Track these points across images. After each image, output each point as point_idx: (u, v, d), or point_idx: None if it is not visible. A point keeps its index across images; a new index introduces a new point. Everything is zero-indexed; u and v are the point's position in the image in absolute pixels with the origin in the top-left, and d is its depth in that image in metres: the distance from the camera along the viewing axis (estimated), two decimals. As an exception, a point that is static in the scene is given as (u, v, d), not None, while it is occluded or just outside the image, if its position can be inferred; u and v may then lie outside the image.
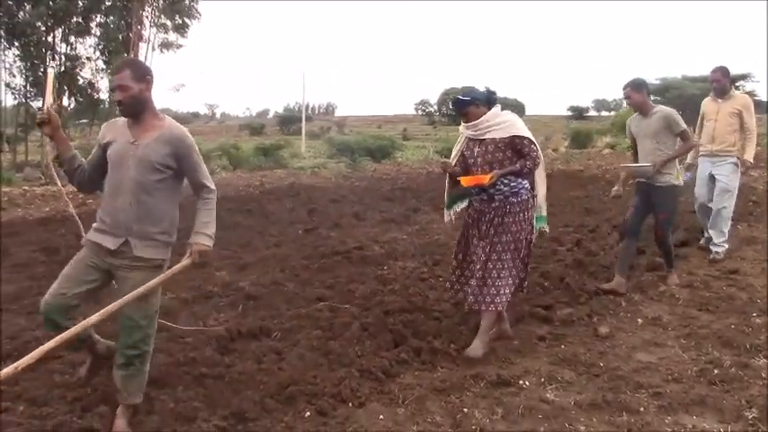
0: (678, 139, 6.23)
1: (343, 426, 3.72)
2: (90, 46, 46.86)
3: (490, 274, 4.76)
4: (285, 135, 49.83)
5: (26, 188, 19.91)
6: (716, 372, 4.37)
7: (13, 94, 45.52)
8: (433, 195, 13.80)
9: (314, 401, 3.98)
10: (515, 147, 4.76)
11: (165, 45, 48.87)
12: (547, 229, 5.42)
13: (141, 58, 45.82)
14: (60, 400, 4.01)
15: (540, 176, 5.07)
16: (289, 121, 67.50)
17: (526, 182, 4.84)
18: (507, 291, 4.76)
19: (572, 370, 4.51)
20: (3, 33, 43.01)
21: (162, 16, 47.50)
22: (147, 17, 46.87)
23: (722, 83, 7.41)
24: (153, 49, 48.29)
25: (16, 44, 43.62)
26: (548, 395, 4.09)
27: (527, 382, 4.30)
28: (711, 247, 7.60)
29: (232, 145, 29.73)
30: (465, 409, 3.90)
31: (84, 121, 54.38)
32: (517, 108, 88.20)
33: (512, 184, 4.76)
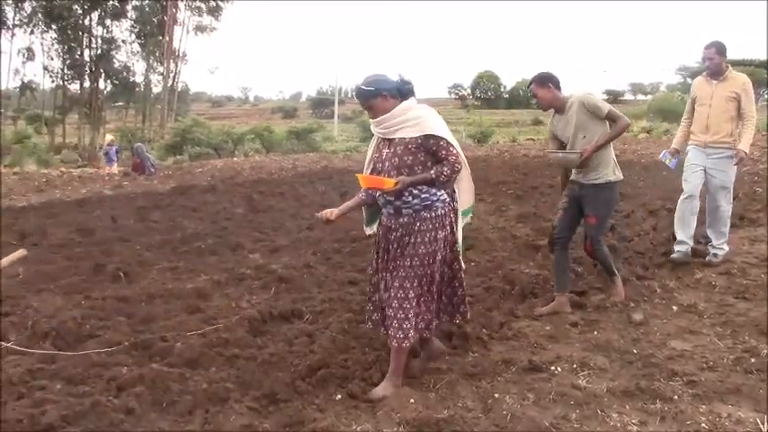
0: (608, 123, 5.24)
1: (374, 409, 3.73)
2: (125, 29, 47.69)
3: (391, 303, 3.93)
4: (318, 118, 50.02)
5: (63, 170, 20.26)
6: (752, 360, 4.29)
7: (50, 76, 46.58)
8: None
9: (345, 384, 4.00)
10: (429, 149, 3.91)
11: (200, 28, 49.46)
12: (468, 220, 4.53)
13: (176, 41, 46.41)
14: (97, 379, 4.08)
15: (465, 186, 4.27)
16: (321, 104, 67.76)
17: (443, 193, 4.00)
18: (408, 325, 3.88)
19: (605, 356, 4.46)
20: (41, 17, 43.77)
21: (197, -1, 47.74)
22: (181, 0, 47.29)
23: (716, 61, 6.33)
24: (187, 32, 48.95)
25: (54, 27, 44.44)
26: (580, 381, 4.05)
27: (559, 368, 4.26)
28: (710, 249, 6.69)
29: (265, 128, 29.97)
30: (496, 395, 3.88)
31: (120, 103, 55.27)
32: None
33: (423, 196, 3.92)
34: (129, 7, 46.45)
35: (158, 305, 5.70)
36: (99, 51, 46.41)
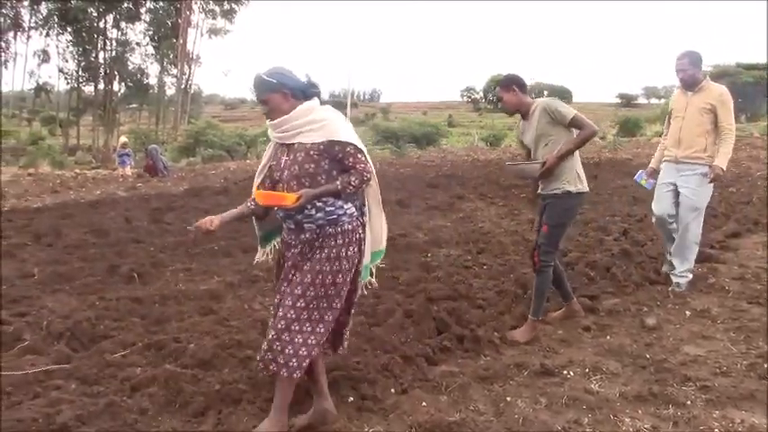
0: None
1: (386, 412, 3.74)
2: (140, 32, 48.06)
3: (288, 327, 3.40)
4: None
5: (77, 171, 20.39)
6: (766, 366, 4.27)
7: (65, 78, 46.95)
8: (478, 183, 13.78)
9: (357, 386, 4.00)
10: (335, 156, 3.42)
11: (214, 31, 49.73)
12: (371, 279, 3.97)
13: (190, 43, 46.65)
14: (111, 380, 4.12)
15: (374, 197, 3.71)
16: (334, 107, 67.65)
17: (351, 206, 3.52)
18: (305, 352, 3.41)
19: (617, 361, 4.45)
20: (57, 20, 44.13)
21: (210, 2, 48.12)
22: (195, 3, 47.60)
23: (689, 72, 5.81)
24: (201, 34, 49.24)
25: (69, 30, 44.80)
26: (592, 386, 4.05)
27: (571, 373, 4.26)
28: (672, 277, 6.08)
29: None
30: (508, 398, 3.89)
31: (134, 105, 55.65)
32: (564, 95, 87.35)
33: (327, 209, 3.43)
34: (143, 10, 46.79)
35: (172, 306, 5.73)
36: (113, 54, 46.79)
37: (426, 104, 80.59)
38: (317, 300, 3.42)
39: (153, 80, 49.88)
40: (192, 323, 5.22)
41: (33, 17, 44.08)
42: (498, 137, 36.89)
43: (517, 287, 5.92)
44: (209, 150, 23.62)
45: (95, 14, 44.74)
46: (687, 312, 5.42)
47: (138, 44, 48.18)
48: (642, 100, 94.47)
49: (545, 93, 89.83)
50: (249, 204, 3.67)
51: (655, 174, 6.27)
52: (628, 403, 3.83)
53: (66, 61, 46.31)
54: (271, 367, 3.40)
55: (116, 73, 47.06)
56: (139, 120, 52.81)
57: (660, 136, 6.82)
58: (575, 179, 4.87)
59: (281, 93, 3.44)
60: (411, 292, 5.89)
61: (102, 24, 45.83)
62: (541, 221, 5.03)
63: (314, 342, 3.44)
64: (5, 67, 46.13)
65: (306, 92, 3.52)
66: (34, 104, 55.28)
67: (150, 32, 47.51)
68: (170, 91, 50.32)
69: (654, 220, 6.25)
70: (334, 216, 3.44)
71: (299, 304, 3.40)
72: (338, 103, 67.22)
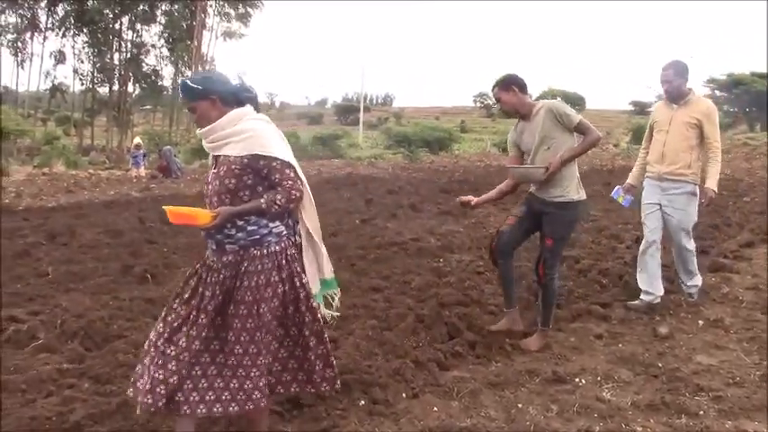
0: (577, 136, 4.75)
1: (398, 416, 3.75)
2: (155, 33, 48.31)
3: (209, 366, 3.09)
4: (343, 125, 50.19)
5: (91, 171, 20.51)
6: (780, 377, 4.26)
7: (80, 79, 47.24)
8: (491, 188, 13.72)
9: (368, 391, 4.00)
10: (259, 171, 3.09)
11: (228, 34, 49.90)
12: (335, 298, 3.68)
13: (204, 46, 46.87)
14: (123, 379, 4.13)
15: (310, 222, 3.33)
16: (347, 111, 67.94)
17: (278, 225, 3.19)
18: (228, 396, 3.08)
19: (629, 370, 4.44)
20: (73, 20, 44.43)
21: (225, 5, 48.30)
22: (210, 6, 47.79)
23: (674, 84, 5.51)
24: (216, 37, 49.44)
25: (85, 31, 45.09)
26: (604, 394, 4.04)
27: (583, 380, 4.25)
28: (683, 288, 5.93)
29: (291, 133, 30.06)
30: (519, 405, 3.89)
31: (148, 107, 55.97)
32: (577, 101, 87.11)
33: (250, 228, 3.11)
34: (158, 12, 47.04)
35: (184, 307, 5.74)
36: (128, 55, 47.02)
37: (439, 109, 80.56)
38: (243, 333, 3.10)
39: (167, 82, 50.10)
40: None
41: (50, 18, 44.39)
42: (511, 143, 36.76)
43: (529, 294, 5.91)
44: (223, 152, 23.68)
45: (111, 16, 45.01)
46: (700, 322, 5.40)
47: (152, 46, 48.44)
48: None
49: (558, 99, 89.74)
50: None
51: (633, 190, 5.98)
52: (640, 412, 3.82)
53: (82, 62, 46.62)
54: (182, 409, 3.05)
55: (131, 74, 47.31)
56: (153, 121, 53.09)
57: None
58: (576, 186, 4.74)
59: (208, 99, 3.15)
60: (423, 296, 5.89)
61: (117, 26, 46.09)
62: (525, 215, 4.88)
63: (263, 380, 3.13)
64: (22, 68, 46.48)
65: (238, 97, 3.23)
66: (49, 104, 55.64)
67: (165, 35, 47.75)
68: (184, 93, 50.53)
69: (644, 246, 5.79)
70: (257, 236, 3.12)
71: (242, 339, 3.10)
72: (351, 107, 67.48)
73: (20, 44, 45.23)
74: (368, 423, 3.67)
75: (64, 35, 45.18)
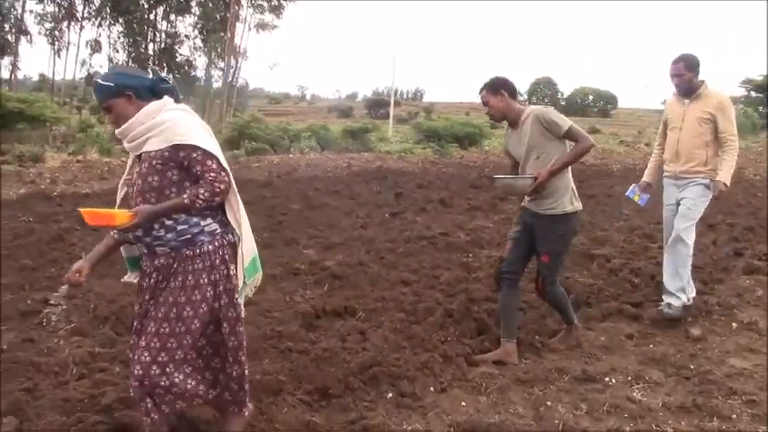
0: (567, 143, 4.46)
1: (425, 410, 3.75)
2: (189, 24, 48.56)
3: (146, 374, 2.92)
4: (373, 119, 50.10)
5: (124, 159, 20.69)
6: (815, 383, 4.17)
7: (115, 68, 47.79)
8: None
9: (396, 383, 4.01)
10: (181, 164, 2.92)
11: (261, 25, 50.10)
12: (253, 285, 3.36)
13: (237, 37, 47.12)
14: (154, 365, 4.17)
15: (235, 215, 3.09)
16: (377, 104, 67.96)
17: (210, 222, 3.02)
18: (156, 401, 2.96)
19: (661, 371, 4.38)
20: (109, 10, 44.93)
21: (259, -3, 48.38)
22: (244, -3, 47.93)
23: (685, 78, 5.24)
24: (249, 29, 49.62)
25: (120, 21, 45.57)
26: (634, 394, 3.99)
27: (613, 380, 4.21)
28: (664, 297, 5.42)
29: (321, 126, 30.18)
30: (548, 402, 3.86)
31: (181, 97, 56.42)
32: (609, 100, 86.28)
33: (179, 228, 2.94)
34: (193, 3, 47.37)
35: (214, 296, 5.79)
36: (163, 45, 47.46)
37: (469, 105, 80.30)
38: (171, 338, 2.93)
39: (200, 73, 50.51)
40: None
41: (87, 8, 44.92)
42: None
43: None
44: (253, 143, 23.77)
45: (146, 6, 45.45)
46: (734, 324, 5.31)
47: (186, 36, 48.82)
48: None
49: (590, 97, 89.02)
50: (113, 234, 3.16)
51: (649, 188, 5.73)
52: (671, 414, 3.77)
53: (117, 51, 47.10)
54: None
55: (164, 64, 47.72)
56: (186, 111, 53.47)
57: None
58: (570, 197, 4.47)
59: (123, 96, 2.95)
60: (452, 291, 5.87)
61: (152, 16, 46.55)
62: (520, 233, 4.62)
63: (174, 380, 2.98)
64: (59, 56, 47.10)
65: (154, 89, 3.03)
66: (85, 93, 56.32)
67: (199, 25, 48.08)
68: (217, 84, 50.91)
69: (665, 247, 5.56)
70: (189, 235, 2.95)
71: (153, 344, 2.92)
72: (381, 101, 67.39)
73: (57, 33, 45.82)
74: (395, 416, 3.67)
75: (100, 25, 45.69)
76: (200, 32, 48.40)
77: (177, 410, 3.11)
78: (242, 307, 3.20)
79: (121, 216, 2.79)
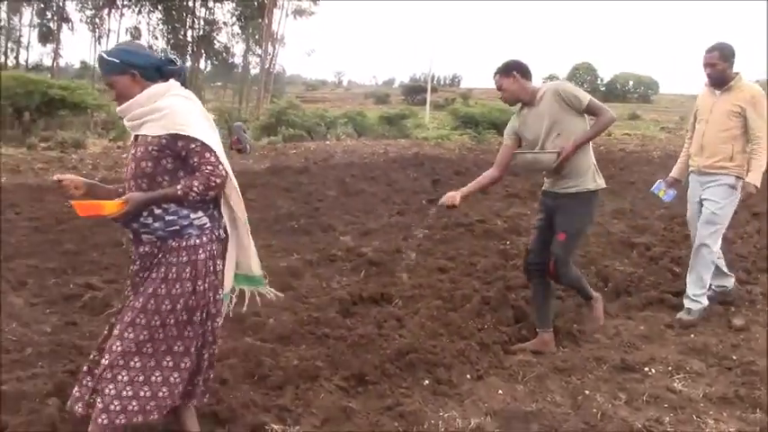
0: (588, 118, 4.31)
1: (462, 397, 3.74)
2: (227, 11, 49.07)
3: (110, 364, 2.79)
4: (410, 105, 50.00)
5: (163, 146, 20.98)
6: None
7: (155, 55, 48.44)
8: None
9: (432, 370, 4.01)
10: (178, 154, 2.84)
11: (298, 11, 50.29)
12: (260, 293, 3.50)
13: (275, 24, 47.31)
14: (193, 349, 4.23)
15: (235, 205, 3.05)
16: (414, 91, 67.77)
17: (200, 216, 2.92)
18: (130, 392, 2.80)
19: (702, 361, 4.31)
20: (148, -2, 45.37)
21: (297, -17, 48.52)
22: (282, -16, 48.10)
23: (719, 68, 4.95)
24: (286, 15, 49.85)
25: (160, 8, 46.10)
26: (675, 385, 3.93)
27: (653, 370, 4.16)
28: (685, 302, 5.19)
29: (357, 113, 30.16)
30: (586, 391, 3.82)
31: (219, 83, 56.98)
32: (650, 86, 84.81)
33: (168, 218, 2.85)
34: (231, -10, 47.69)
35: (252, 281, 5.84)
36: (201, 32, 47.91)
37: (507, 91, 79.28)
38: (146, 330, 2.82)
39: (238, 59, 50.95)
40: (272, 299, 5.31)
41: (127, -5, 45.50)
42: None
43: (598, 280, 5.80)
44: (290, 130, 23.88)
45: (186, -6, 45.86)
46: (777, 315, 5.20)
47: (224, 23, 49.31)
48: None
49: (630, 83, 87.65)
50: None
51: (676, 184, 5.47)
52: (712, 405, 3.71)
53: (156, 38, 47.81)
54: (90, 411, 2.81)
55: (202, 51, 48.23)
56: (223, 98, 53.99)
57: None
58: (593, 174, 4.32)
59: (128, 74, 2.88)
60: (489, 279, 5.84)
61: (191, 3, 46.95)
62: (544, 221, 4.48)
63: (141, 380, 2.83)
64: (99, 43, 47.85)
65: (161, 70, 2.95)
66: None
67: (237, 12, 48.47)
68: (254, 70, 51.31)
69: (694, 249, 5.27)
70: (177, 227, 2.86)
71: (126, 335, 2.80)
72: (418, 87, 67.18)
73: (98, 20, 46.57)
74: (432, 403, 3.67)
75: (140, 12, 46.35)
76: (238, 19, 48.81)
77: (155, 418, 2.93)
78: (223, 306, 3.13)
79: (111, 205, 2.73)
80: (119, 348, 2.78)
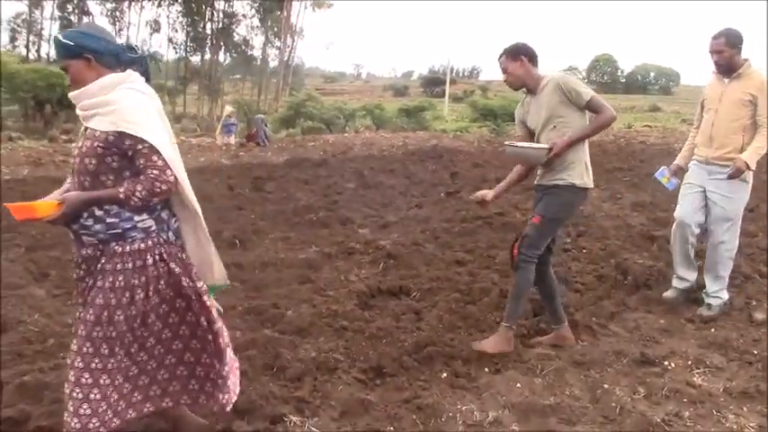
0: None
1: (480, 390, 3.73)
2: (246, 4, 49.19)
3: (77, 381, 2.64)
4: (428, 97, 49.89)
5: (183, 138, 21.09)
6: None
7: (174, 48, 48.64)
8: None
9: (450, 363, 4.01)
10: (125, 153, 2.64)
11: (317, 4, 50.25)
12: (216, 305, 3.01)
13: (293, 16, 47.35)
14: (212, 341, 4.26)
15: (190, 218, 2.86)
16: (433, 83, 67.66)
17: (146, 218, 2.71)
18: (87, 410, 2.63)
19: (722, 355, 4.28)
20: (167, -10, 45.53)
21: (315, -25, 48.49)
22: (301, -24, 48.10)
23: (725, 54, 4.79)
24: (305, 7, 49.88)
25: (179, 1, 46.23)
26: (695, 379, 3.91)
27: (672, 364, 4.13)
28: (704, 297, 5.12)
29: (376, 105, 30.18)
30: (605, 385, 3.80)
31: (238, 76, 57.12)
32: (671, 77, 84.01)
33: (109, 220, 2.65)
34: (250, -17, 47.77)
35: (271, 273, 5.88)
36: (220, 25, 48.03)
37: (527, 83, 78.93)
38: (97, 342, 2.65)
39: (257, 52, 51.08)
40: (290, 291, 5.34)
41: (147, -12, 45.70)
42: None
43: (617, 272, 5.76)
44: (309, 122, 23.96)
45: (205, -14, 45.99)
46: (800, 309, 5.14)
47: (244, 16, 49.41)
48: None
49: (651, 74, 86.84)
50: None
51: (680, 172, 5.31)
52: (732, 399, 3.69)
53: (176, 31, 48.06)
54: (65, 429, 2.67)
55: (222, 44, 48.38)
56: (242, 90, 54.16)
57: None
58: (582, 171, 4.13)
59: (82, 59, 2.67)
60: (507, 271, 5.80)
61: (210, -4, 47.08)
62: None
63: (98, 397, 2.65)
64: (119, 36, 48.08)
65: (120, 57, 2.75)
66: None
67: (256, 5, 48.52)
68: (273, 63, 51.44)
69: (674, 226, 5.23)
70: (119, 230, 2.66)
71: (86, 349, 2.65)
72: (437, 79, 67.07)
73: (118, 13, 46.81)
74: (450, 396, 3.66)
75: (159, 5, 46.51)
76: (257, 12, 48.89)
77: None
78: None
79: (45, 207, 2.57)
80: (80, 364, 2.64)
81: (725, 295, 5.09)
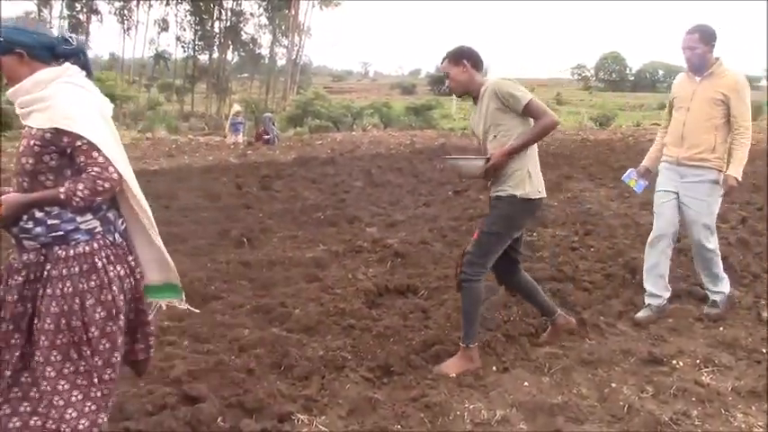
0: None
1: (487, 389, 3.73)
2: (254, 2, 49.30)
3: (54, 390, 2.50)
4: (436, 95, 49.85)
5: (191, 137, 21.16)
6: None
7: (182, 47, 48.86)
8: (587, 163, 13.43)
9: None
10: (63, 150, 2.50)
11: (325, 2, 50.33)
12: (177, 303, 3.12)
13: (301, 15, 47.41)
14: (221, 339, 4.29)
15: (134, 215, 2.71)
16: (440, 81, 67.40)
17: (90, 219, 2.58)
18: (87, 424, 2.52)
19: (731, 354, 4.26)
20: (175, -11, 45.65)
21: (323, -26, 48.60)
22: (308, -25, 48.16)
23: (698, 51, 4.63)
24: (313, 6, 49.97)
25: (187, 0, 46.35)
26: (703, 378, 3.89)
27: (680, 363, 4.11)
28: (708, 294, 5.06)
29: (384, 103, 30.20)
30: (613, 384, 3.79)
31: (245, 75, 57.25)
32: (676, 74, 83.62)
33: (50, 222, 2.52)
34: (258, -18, 47.88)
35: (278, 272, 5.89)
36: (228, 24, 48.18)
37: (534, 81, 79.11)
38: (77, 347, 2.53)
39: (265, 50, 51.21)
40: (298, 289, 5.36)
41: (155, -13, 45.84)
42: (609, 117, 35.77)
43: (626, 271, 5.74)
44: (317, 121, 24.02)
45: (213, -15, 46.12)
46: (809, 308, 5.12)
47: (251, 15, 49.59)
48: (765, 82, 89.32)
49: (660, 72, 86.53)
50: None
51: (648, 174, 5.18)
52: (741, 398, 3.67)
53: (184, 30, 48.30)
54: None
55: (230, 42, 48.52)
56: (250, 89, 54.28)
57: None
58: (523, 181, 3.88)
59: (14, 54, 2.54)
60: (514, 270, 5.82)
61: (218, -5, 47.19)
62: None
63: (94, 408, 2.55)
64: (128, 35, 48.34)
65: (55, 50, 2.60)
66: (153, 71, 57.56)
67: (264, 3, 48.65)
68: (281, 61, 51.55)
69: (652, 236, 5.03)
70: (61, 232, 2.52)
71: (53, 358, 2.50)
72: (444, 77, 67.08)
73: (126, 12, 46.99)
74: (457, 394, 3.66)
75: (168, 4, 46.73)
76: (264, 10, 49.03)
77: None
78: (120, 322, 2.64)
79: None
80: (53, 373, 2.51)
81: (726, 288, 5.02)
